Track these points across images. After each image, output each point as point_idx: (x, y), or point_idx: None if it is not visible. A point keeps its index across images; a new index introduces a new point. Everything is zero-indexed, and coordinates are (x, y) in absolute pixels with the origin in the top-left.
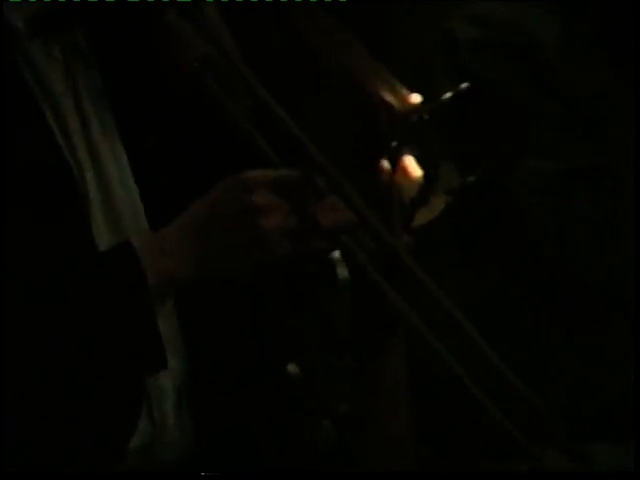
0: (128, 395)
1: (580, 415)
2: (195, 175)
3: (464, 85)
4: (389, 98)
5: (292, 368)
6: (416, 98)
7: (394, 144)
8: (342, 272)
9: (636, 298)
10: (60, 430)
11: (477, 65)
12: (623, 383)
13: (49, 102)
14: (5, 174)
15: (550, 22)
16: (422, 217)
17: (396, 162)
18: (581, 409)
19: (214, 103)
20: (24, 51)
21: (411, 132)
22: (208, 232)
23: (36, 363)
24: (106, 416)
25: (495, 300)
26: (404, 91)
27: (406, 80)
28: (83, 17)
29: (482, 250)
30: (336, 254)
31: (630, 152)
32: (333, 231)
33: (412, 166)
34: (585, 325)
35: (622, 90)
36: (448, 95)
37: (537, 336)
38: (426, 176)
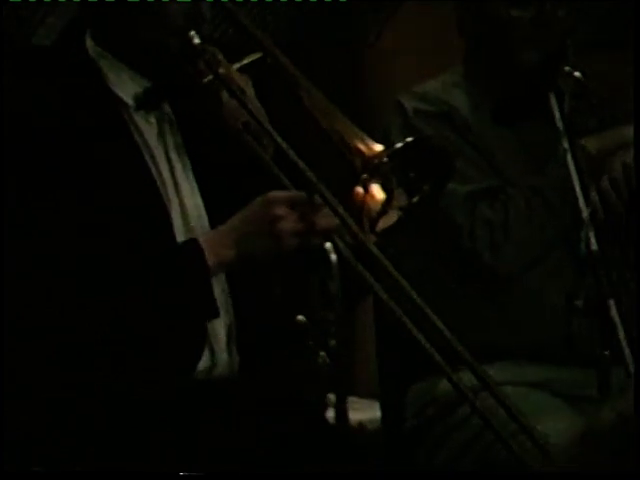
0: (197, 334)
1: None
2: (238, 193)
3: (409, 138)
4: (361, 147)
5: (301, 318)
6: (378, 147)
7: (364, 177)
8: (333, 257)
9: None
10: (156, 352)
11: (418, 124)
12: (512, 324)
13: (148, 152)
14: (121, 197)
15: (463, 97)
16: (382, 224)
17: (366, 188)
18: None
19: (250, 149)
20: (132, 119)
21: (375, 169)
22: (245, 232)
23: (144, 308)
24: (181, 347)
25: (428, 273)
26: (370, 142)
27: (372, 135)
28: (169, 97)
29: (421, 242)
30: (328, 245)
31: (515, 178)
32: (326, 231)
33: (376, 191)
34: (484, 289)
35: (508, 138)
36: (399, 145)
37: (455, 296)
38: (386, 198)
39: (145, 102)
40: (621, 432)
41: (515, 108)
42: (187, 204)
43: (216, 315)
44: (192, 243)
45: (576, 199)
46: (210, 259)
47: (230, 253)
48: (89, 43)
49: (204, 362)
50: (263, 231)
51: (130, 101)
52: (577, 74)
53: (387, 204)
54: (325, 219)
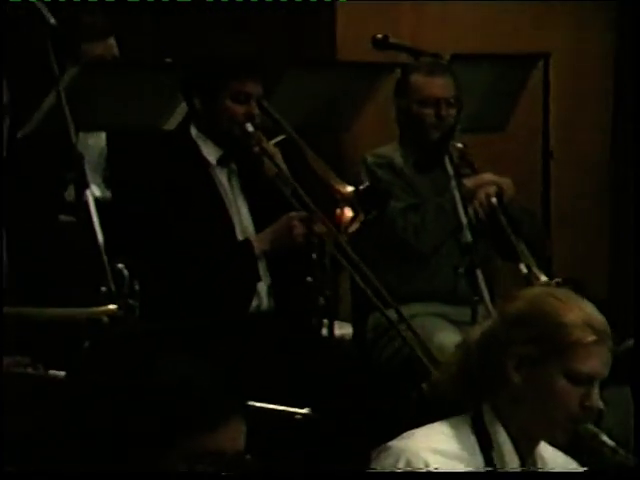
0: (248, 289)
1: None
2: (270, 214)
3: (366, 184)
4: (340, 188)
5: (309, 278)
6: (350, 188)
7: (342, 204)
8: (327, 247)
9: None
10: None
11: (374, 169)
12: (424, 281)
13: (223, 191)
14: (208, 218)
15: (400, 155)
16: (350, 229)
17: (342, 210)
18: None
19: (279, 189)
20: (215, 172)
21: (348, 200)
22: (276, 236)
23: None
24: (240, 294)
25: (378, 253)
26: (346, 185)
27: (347, 180)
28: (235, 159)
29: (373, 235)
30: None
31: (428, 199)
32: (319, 235)
33: (348, 212)
34: (411, 261)
35: (424, 178)
36: (361, 187)
37: (394, 265)
38: (352, 215)
39: (221, 162)
40: (484, 344)
41: (427, 163)
42: (244, 221)
43: (259, 279)
44: (247, 241)
45: (459, 212)
46: (256, 250)
47: (267, 247)
48: (192, 129)
49: (254, 304)
50: (285, 235)
51: (214, 161)
52: (460, 145)
53: (353, 219)
54: (319, 227)
